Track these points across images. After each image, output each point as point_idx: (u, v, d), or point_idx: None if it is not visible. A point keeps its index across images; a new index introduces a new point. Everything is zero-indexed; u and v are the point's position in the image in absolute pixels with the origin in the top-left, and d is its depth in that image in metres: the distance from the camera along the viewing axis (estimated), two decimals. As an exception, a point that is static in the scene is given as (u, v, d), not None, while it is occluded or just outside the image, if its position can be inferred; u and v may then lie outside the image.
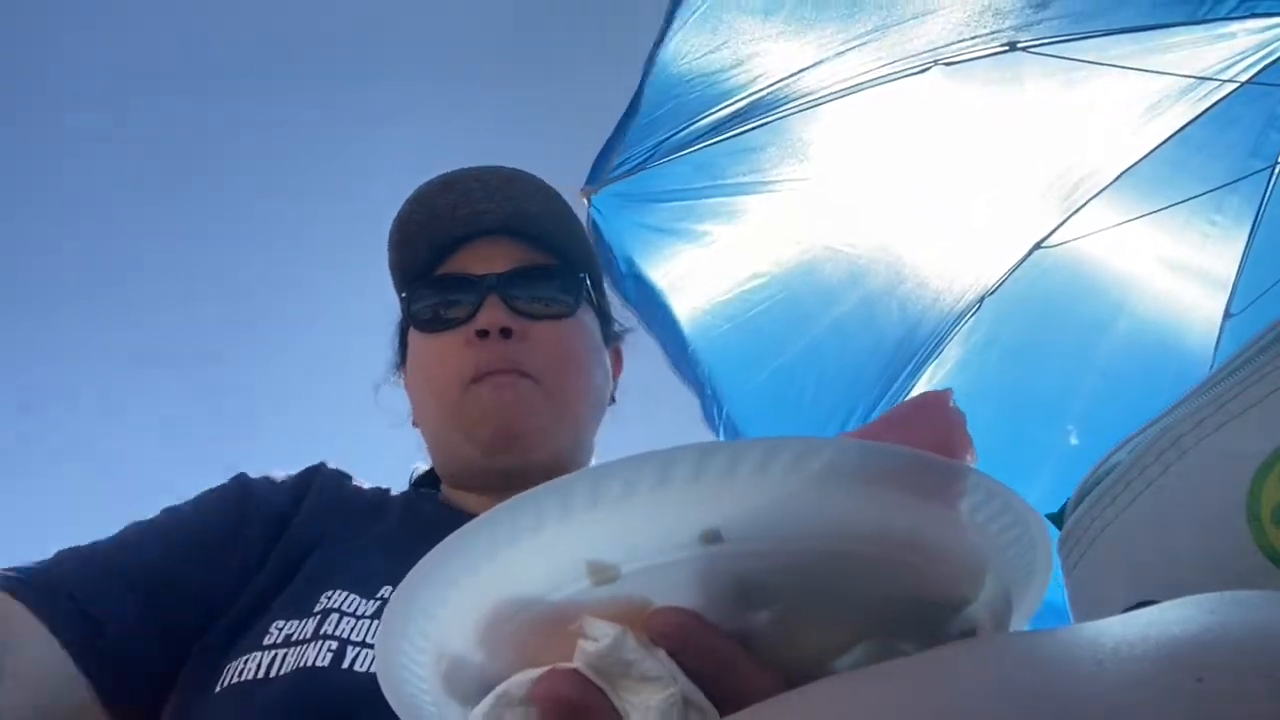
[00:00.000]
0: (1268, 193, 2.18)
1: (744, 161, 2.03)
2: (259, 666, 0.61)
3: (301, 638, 0.62)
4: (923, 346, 2.28)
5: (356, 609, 0.64)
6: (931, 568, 0.35)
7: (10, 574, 0.63)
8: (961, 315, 2.29)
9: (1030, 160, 2.14)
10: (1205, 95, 2.10)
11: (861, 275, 2.13)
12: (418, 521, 0.78)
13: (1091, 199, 2.18)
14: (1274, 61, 2.05)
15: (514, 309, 0.81)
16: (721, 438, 1.94)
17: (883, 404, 2.24)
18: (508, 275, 0.82)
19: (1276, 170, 2.11)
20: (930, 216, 2.17)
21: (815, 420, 2.16)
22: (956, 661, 0.29)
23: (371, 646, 0.59)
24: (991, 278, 2.27)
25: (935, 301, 2.25)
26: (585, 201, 1.84)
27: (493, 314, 0.80)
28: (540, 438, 0.80)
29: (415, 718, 0.36)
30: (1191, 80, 2.04)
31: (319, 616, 0.64)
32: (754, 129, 1.98)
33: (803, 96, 1.97)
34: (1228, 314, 2.37)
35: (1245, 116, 2.12)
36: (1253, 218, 2.25)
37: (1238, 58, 2.04)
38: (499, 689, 0.33)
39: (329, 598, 0.65)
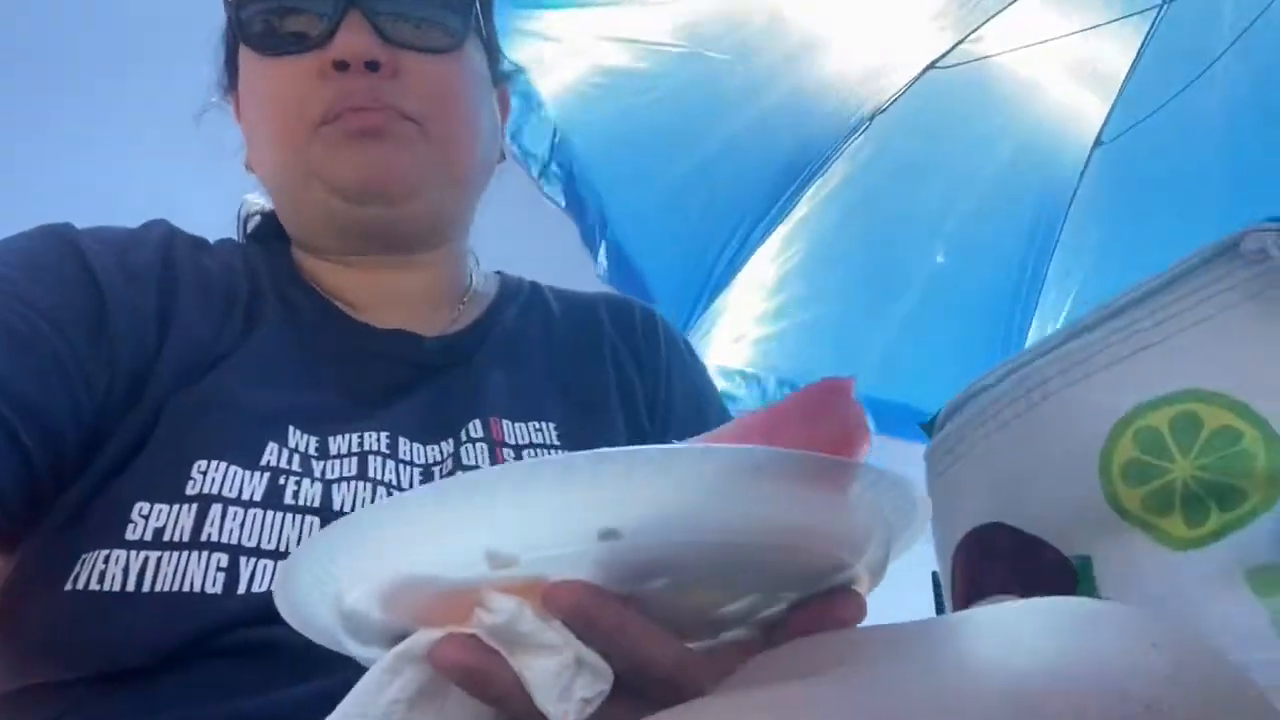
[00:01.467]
0: (1152, 28, 2.20)
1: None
2: (124, 572, 0.50)
3: (178, 539, 0.51)
4: (811, 163, 2.29)
5: (241, 491, 0.53)
6: (821, 546, 0.37)
7: None
8: (852, 131, 2.29)
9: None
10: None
11: (756, 90, 2.08)
12: (298, 332, 0.64)
13: (985, 23, 2.15)
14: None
15: (384, 35, 0.62)
16: (603, 262, 1.93)
17: (766, 222, 2.27)
18: None
19: (1162, 10, 2.13)
20: (827, 33, 2.11)
21: (703, 243, 2.18)
22: (814, 692, 0.31)
23: (268, 554, 0.52)
24: (884, 96, 2.25)
25: (827, 118, 2.23)
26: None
27: (355, 39, 0.61)
28: (419, 183, 0.65)
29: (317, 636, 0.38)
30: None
31: (195, 506, 0.52)
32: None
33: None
34: (1098, 141, 2.46)
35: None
36: (1134, 54, 2.28)
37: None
38: (399, 648, 0.35)
39: (203, 473, 0.53)
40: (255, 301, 0.65)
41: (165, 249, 0.64)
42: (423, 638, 0.34)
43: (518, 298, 0.77)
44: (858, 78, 2.23)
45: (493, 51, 0.74)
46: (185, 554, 0.50)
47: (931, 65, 2.21)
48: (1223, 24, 2.04)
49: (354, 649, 0.39)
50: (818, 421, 0.37)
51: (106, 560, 0.50)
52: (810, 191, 2.36)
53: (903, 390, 2.34)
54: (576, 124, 1.85)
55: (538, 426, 0.65)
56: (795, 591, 0.38)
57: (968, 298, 2.46)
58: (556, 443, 0.64)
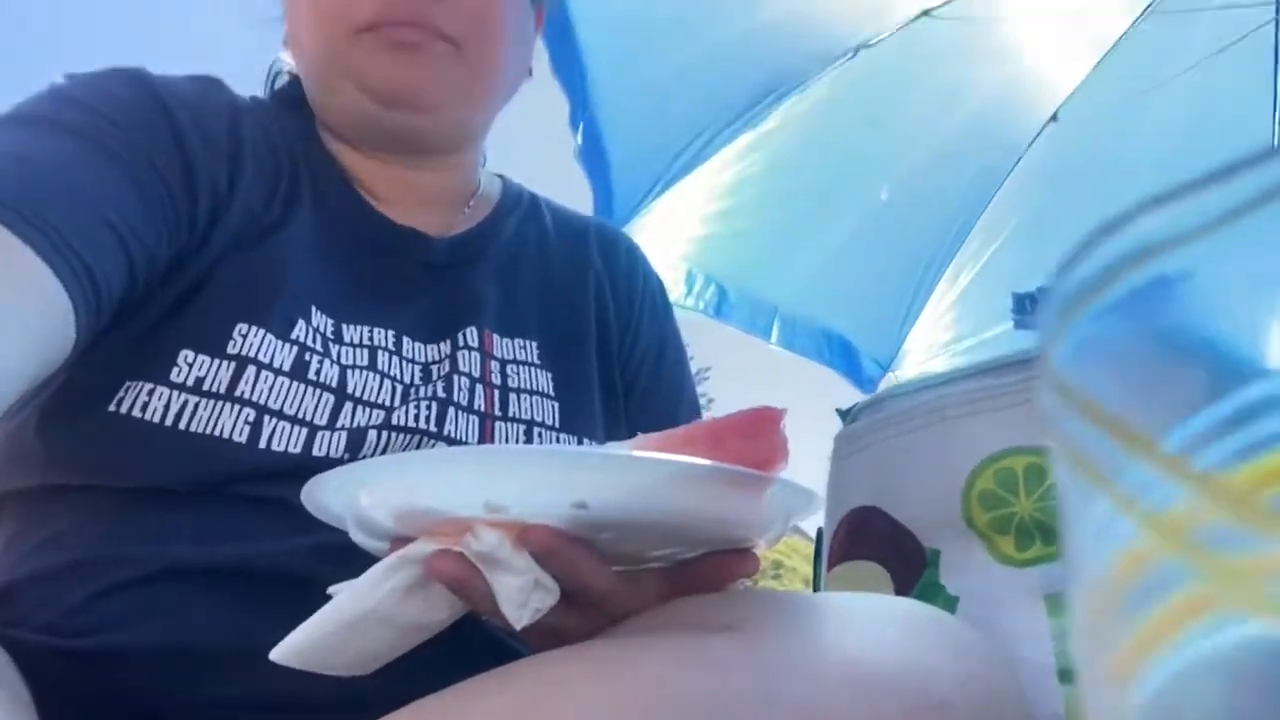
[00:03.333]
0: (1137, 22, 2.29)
1: None
2: (166, 408, 0.57)
3: (215, 390, 0.58)
4: (790, 81, 2.33)
5: (273, 358, 0.60)
6: (736, 530, 0.50)
7: None
8: (836, 59, 2.33)
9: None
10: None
11: (758, 3, 2.09)
12: (327, 215, 0.70)
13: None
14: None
15: None
16: (579, 141, 1.96)
17: (734, 128, 2.32)
18: None
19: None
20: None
21: (670, 140, 2.22)
22: (712, 644, 0.43)
23: (289, 418, 0.60)
24: (875, 31, 2.30)
25: (817, 41, 2.26)
26: None
27: None
28: (447, 99, 0.70)
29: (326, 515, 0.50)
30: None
31: (234, 365, 0.59)
32: None
33: None
34: (1053, 118, 2.58)
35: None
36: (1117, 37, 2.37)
37: None
38: (403, 550, 0.46)
39: (243, 335, 0.60)
40: (294, 178, 0.70)
41: (233, 116, 0.68)
42: (422, 547, 0.46)
43: (518, 209, 0.83)
44: (856, 9, 2.26)
45: None
46: (220, 404, 0.58)
47: (925, 12, 2.26)
48: (1194, 41, 2.14)
49: (358, 537, 0.50)
50: (753, 439, 0.49)
51: (150, 394, 0.57)
52: (782, 107, 2.41)
53: (816, 310, 2.49)
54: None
55: (522, 344, 0.74)
56: (708, 547, 0.51)
57: (896, 239, 2.59)
58: (537, 361, 0.73)
